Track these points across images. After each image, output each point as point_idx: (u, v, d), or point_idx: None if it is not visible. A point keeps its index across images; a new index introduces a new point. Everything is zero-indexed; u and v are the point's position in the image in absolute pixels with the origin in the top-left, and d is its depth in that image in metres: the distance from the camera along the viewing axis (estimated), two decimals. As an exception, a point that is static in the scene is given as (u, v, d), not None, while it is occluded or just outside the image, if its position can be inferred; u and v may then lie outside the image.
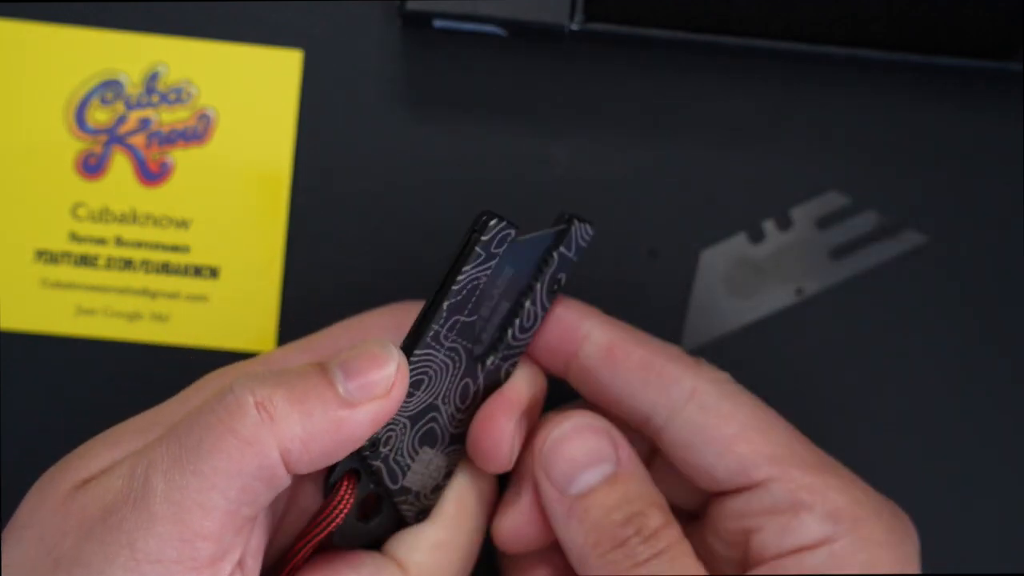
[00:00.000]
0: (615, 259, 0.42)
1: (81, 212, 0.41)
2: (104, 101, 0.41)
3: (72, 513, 0.30)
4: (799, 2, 0.40)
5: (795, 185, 0.42)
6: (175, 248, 0.41)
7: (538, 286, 0.34)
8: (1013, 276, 0.42)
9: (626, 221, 0.42)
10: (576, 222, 0.34)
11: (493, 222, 0.33)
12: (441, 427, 0.33)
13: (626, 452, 0.34)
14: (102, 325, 0.41)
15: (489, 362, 0.34)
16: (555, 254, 0.34)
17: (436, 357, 0.33)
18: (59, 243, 0.41)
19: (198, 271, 0.41)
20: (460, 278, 0.32)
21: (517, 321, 0.34)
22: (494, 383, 0.34)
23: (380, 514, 0.34)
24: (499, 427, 0.33)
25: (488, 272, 0.33)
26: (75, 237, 0.41)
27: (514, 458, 0.34)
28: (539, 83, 0.42)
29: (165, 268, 0.41)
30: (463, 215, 0.42)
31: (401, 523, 0.34)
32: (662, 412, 0.34)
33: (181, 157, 0.41)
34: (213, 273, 0.41)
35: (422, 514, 0.34)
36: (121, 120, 0.41)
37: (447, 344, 0.33)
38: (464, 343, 0.33)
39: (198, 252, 0.41)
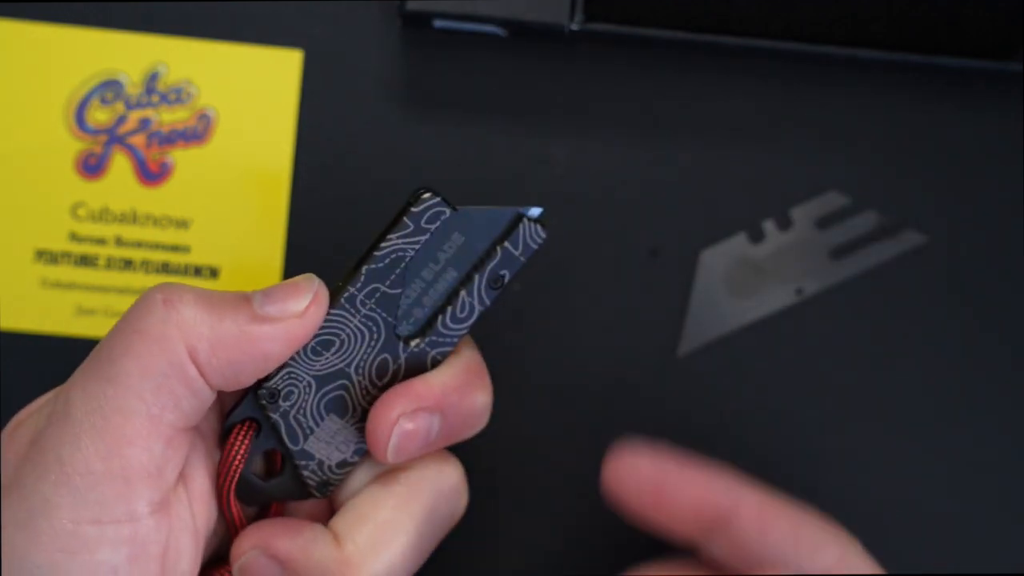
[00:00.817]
0: (615, 259, 0.42)
1: (81, 212, 0.41)
2: (104, 101, 0.41)
3: (11, 447, 0.31)
4: (799, 2, 0.40)
5: (795, 185, 0.42)
6: (175, 248, 0.41)
7: (477, 277, 0.33)
8: (1013, 276, 0.42)
9: (626, 221, 0.42)
10: (525, 221, 0.33)
11: (426, 195, 0.33)
12: (352, 398, 0.33)
13: None
14: (102, 325, 0.41)
15: (414, 344, 0.33)
16: (499, 248, 0.33)
17: (350, 321, 0.33)
18: (59, 243, 0.41)
19: (198, 271, 0.41)
20: (383, 245, 0.33)
21: (450, 309, 0.33)
22: (418, 368, 0.33)
23: (282, 476, 0.34)
24: (387, 414, 0.32)
25: (416, 246, 0.33)
26: (75, 237, 0.41)
27: (399, 453, 0.33)
28: (539, 83, 0.42)
29: (165, 268, 0.41)
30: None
31: (304, 491, 0.34)
32: None
33: (181, 157, 0.41)
34: (213, 273, 0.41)
35: (325, 487, 0.34)
36: (121, 120, 0.41)
37: (363, 311, 0.33)
38: (384, 315, 0.33)
39: (198, 252, 0.41)
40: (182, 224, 0.41)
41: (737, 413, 0.42)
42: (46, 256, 0.41)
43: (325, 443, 0.33)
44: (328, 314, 0.32)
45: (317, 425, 0.33)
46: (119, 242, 0.41)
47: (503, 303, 0.42)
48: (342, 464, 0.34)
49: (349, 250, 0.41)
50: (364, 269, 0.33)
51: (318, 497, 0.34)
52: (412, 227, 0.33)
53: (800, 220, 0.42)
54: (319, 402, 0.33)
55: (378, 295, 0.33)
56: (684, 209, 0.42)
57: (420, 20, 0.41)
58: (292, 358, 0.32)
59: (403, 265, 0.33)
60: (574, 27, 0.40)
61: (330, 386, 0.33)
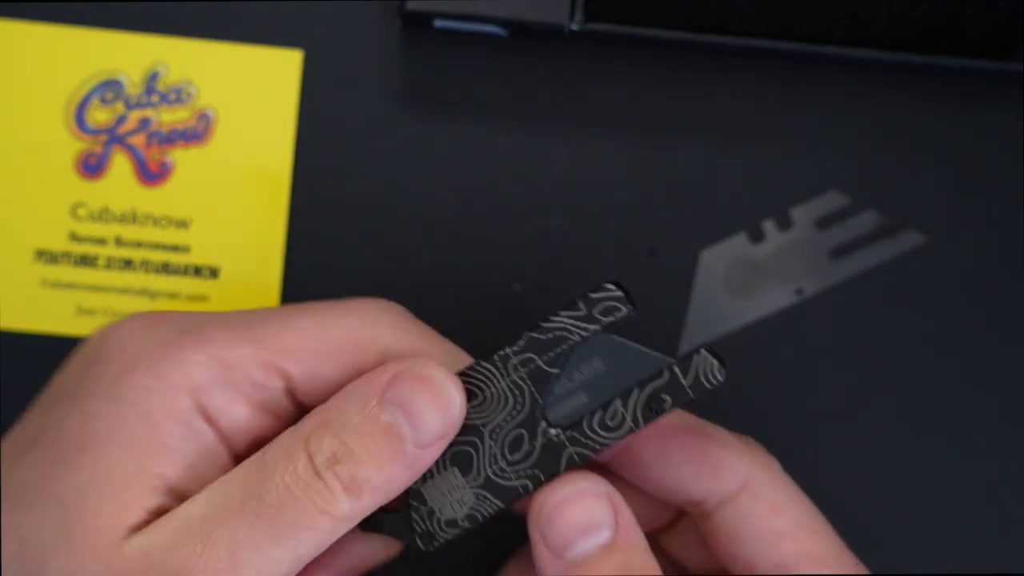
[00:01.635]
0: (615, 259, 0.42)
1: (81, 212, 0.41)
2: (104, 101, 0.41)
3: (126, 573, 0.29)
4: (799, 2, 0.40)
5: (795, 185, 0.42)
6: (175, 248, 0.41)
7: (637, 392, 0.32)
8: (1013, 276, 0.42)
9: (626, 221, 0.42)
10: (704, 352, 0.31)
11: (610, 287, 0.32)
12: (479, 459, 0.33)
13: (626, 520, 0.32)
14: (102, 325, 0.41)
15: (554, 433, 0.32)
16: (667, 371, 0.32)
17: (497, 381, 0.32)
18: (59, 243, 0.41)
19: (198, 271, 0.41)
20: (553, 318, 0.32)
21: (600, 414, 0.32)
22: (552, 460, 0.32)
23: (395, 513, 0.33)
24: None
25: (584, 333, 0.32)
26: (75, 237, 0.41)
27: None
28: (539, 83, 0.42)
29: (165, 268, 0.41)
30: (463, 215, 0.42)
31: (411, 536, 0.33)
32: (712, 500, 0.33)
33: (181, 157, 0.41)
34: (213, 273, 0.41)
35: (429, 539, 0.33)
36: (121, 120, 0.41)
37: (514, 376, 0.32)
38: (533, 389, 0.32)
39: (198, 252, 0.41)
40: (182, 224, 0.41)
41: (737, 413, 0.42)
42: (46, 256, 0.41)
43: (440, 494, 0.33)
44: (479, 365, 0.32)
45: (438, 472, 0.33)
46: (119, 242, 0.41)
47: (505, 303, 0.42)
48: (451, 524, 0.33)
49: (349, 250, 0.42)
50: (525, 335, 0.32)
51: (421, 548, 0.33)
52: (583, 312, 0.32)
53: (800, 220, 0.42)
54: (447, 450, 0.33)
55: (532, 366, 0.32)
56: (684, 209, 0.42)
57: (420, 20, 0.41)
58: None
59: (564, 346, 0.32)
60: (574, 27, 0.40)
61: (461, 438, 0.33)
